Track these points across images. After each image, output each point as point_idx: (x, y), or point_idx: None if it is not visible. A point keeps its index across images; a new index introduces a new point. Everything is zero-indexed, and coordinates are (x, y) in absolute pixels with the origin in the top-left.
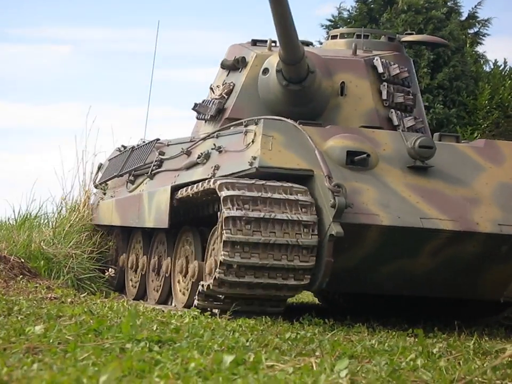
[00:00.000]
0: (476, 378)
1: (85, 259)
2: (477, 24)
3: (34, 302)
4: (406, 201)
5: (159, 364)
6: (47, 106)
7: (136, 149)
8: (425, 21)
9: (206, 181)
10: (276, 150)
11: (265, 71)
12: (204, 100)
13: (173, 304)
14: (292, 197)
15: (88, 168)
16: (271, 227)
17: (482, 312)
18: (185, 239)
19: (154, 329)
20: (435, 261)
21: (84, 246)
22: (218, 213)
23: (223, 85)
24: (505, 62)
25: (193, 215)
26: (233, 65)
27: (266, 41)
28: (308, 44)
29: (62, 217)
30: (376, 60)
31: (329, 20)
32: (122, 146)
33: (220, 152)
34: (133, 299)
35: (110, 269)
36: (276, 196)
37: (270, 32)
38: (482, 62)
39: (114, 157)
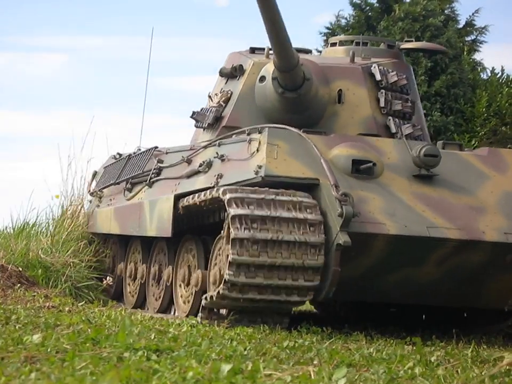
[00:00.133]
0: None
1: (82, 267)
2: (474, 31)
3: (32, 310)
4: (412, 210)
5: (157, 373)
6: (45, 114)
7: (133, 156)
8: (423, 28)
9: (214, 189)
10: (281, 159)
11: (262, 78)
12: (202, 108)
13: (175, 313)
14: (300, 216)
15: (82, 175)
16: (278, 248)
17: (485, 321)
18: (188, 248)
19: (152, 338)
20: (441, 269)
21: (81, 254)
22: (225, 221)
23: (221, 92)
24: (502, 70)
25: (195, 224)
26: (231, 73)
27: (264, 49)
28: (307, 51)
29: (59, 225)
30: (374, 67)
31: (327, 28)
32: (118, 154)
33: (223, 160)
34: (132, 308)
35: (108, 278)
36: (285, 214)
37: None
38: (479, 69)
39: (110, 164)
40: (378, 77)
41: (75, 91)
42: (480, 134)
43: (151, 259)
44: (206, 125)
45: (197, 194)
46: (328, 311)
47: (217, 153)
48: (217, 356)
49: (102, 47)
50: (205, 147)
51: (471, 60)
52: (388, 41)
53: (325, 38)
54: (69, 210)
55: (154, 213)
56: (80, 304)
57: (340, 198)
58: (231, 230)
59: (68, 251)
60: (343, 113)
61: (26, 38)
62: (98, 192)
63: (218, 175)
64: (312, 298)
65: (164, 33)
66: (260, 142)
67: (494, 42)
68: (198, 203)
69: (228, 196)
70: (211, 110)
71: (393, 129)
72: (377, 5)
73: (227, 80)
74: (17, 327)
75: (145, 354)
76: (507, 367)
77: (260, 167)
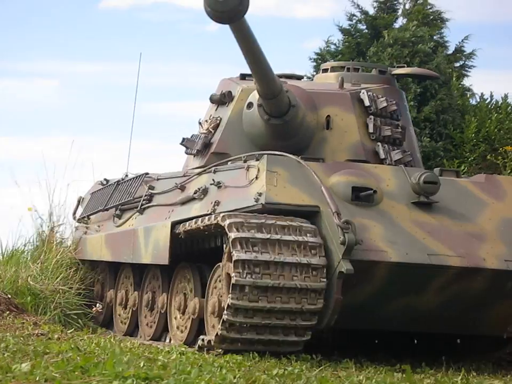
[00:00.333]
0: None
1: (72, 294)
2: (463, 57)
3: (21, 338)
4: (412, 237)
5: None
6: (36, 139)
7: (122, 182)
8: (412, 54)
9: (213, 216)
10: (281, 186)
11: (250, 105)
12: (193, 135)
13: (170, 341)
14: (301, 239)
15: (66, 200)
16: (280, 270)
17: (479, 348)
18: (183, 275)
19: (141, 365)
20: (441, 297)
21: (71, 281)
22: (224, 245)
23: (210, 119)
24: (491, 95)
25: (191, 250)
26: (220, 100)
27: None
28: (299, 77)
29: (48, 251)
30: (363, 93)
31: (317, 53)
32: (105, 179)
33: (219, 187)
34: (123, 335)
35: (97, 305)
36: (286, 237)
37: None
38: (468, 95)
39: (97, 190)
40: (367, 103)
41: (66, 116)
42: (470, 159)
43: (144, 286)
44: (195, 152)
45: (194, 220)
46: (318, 338)
47: (213, 180)
48: None
49: (92, 72)
50: (199, 174)
51: (460, 86)
52: (380, 67)
53: (314, 63)
54: (56, 236)
55: (150, 240)
56: (70, 331)
57: (342, 225)
58: (233, 253)
59: (57, 278)
60: (332, 139)
61: (16, 63)
62: (85, 219)
63: (215, 202)
64: (315, 326)
65: (161, 58)
66: (258, 169)
67: (482, 68)
68: (196, 229)
69: (227, 222)
70: (200, 136)
71: (382, 155)
72: (367, 30)
73: (217, 107)
74: (5, 355)
75: (134, 382)
76: None
77: (260, 194)
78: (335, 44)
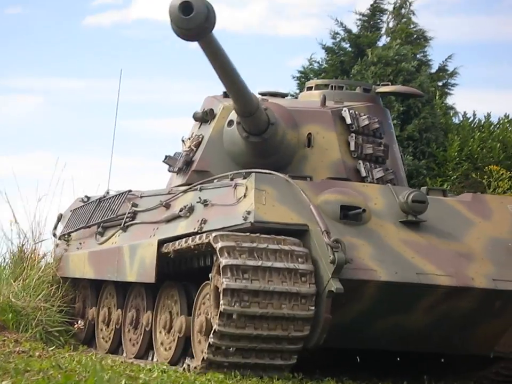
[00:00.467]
0: None
1: (53, 312)
2: (446, 76)
3: (2, 356)
4: (401, 256)
5: None
6: (19, 155)
7: (104, 200)
8: (395, 73)
9: (204, 235)
10: (269, 205)
11: (230, 123)
12: (176, 153)
13: (154, 359)
14: (291, 266)
15: (46, 216)
16: (269, 299)
17: (463, 367)
18: (169, 294)
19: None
20: (429, 316)
21: (52, 298)
22: (214, 258)
23: (192, 137)
24: (474, 114)
25: (178, 269)
26: (202, 118)
27: None
28: (283, 95)
29: (29, 268)
30: (345, 111)
31: (300, 71)
32: (86, 197)
33: (206, 205)
34: (106, 353)
35: (79, 321)
36: (277, 265)
37: (255, 83)
38: (451, 114)
39: (78, 207)
40: (348, 121)
41: (49, 133)
42: (452, 178)
43: (127, 304)
44: (177, 169)
45: (184, 239)
46: (300, 356)
47: (199, 197)
48: None
49: (76, 89)
50: (185, 191)
51: (443, 104)
52: (364, 85)
53: (298, 82)
54: (37, 252)
55: (135, 258)
56: (51, 349)
57: (332, 244)
58: (223, 281)
59: (39, 295)
60: (313, 157)
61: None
62: (66, 236)
63: (202, 220)
64: (305, 344)
65: (145, 75)
66: (247, 187)
67: (465, 87)
68: (186, 248)
69: (219, 245)
70: (182, 154)
71: (363, 173)
72: (350, 49)
73: (200, 125)
74: None
75: None
76: None
77: (248, 212)
78: (318, 62)
